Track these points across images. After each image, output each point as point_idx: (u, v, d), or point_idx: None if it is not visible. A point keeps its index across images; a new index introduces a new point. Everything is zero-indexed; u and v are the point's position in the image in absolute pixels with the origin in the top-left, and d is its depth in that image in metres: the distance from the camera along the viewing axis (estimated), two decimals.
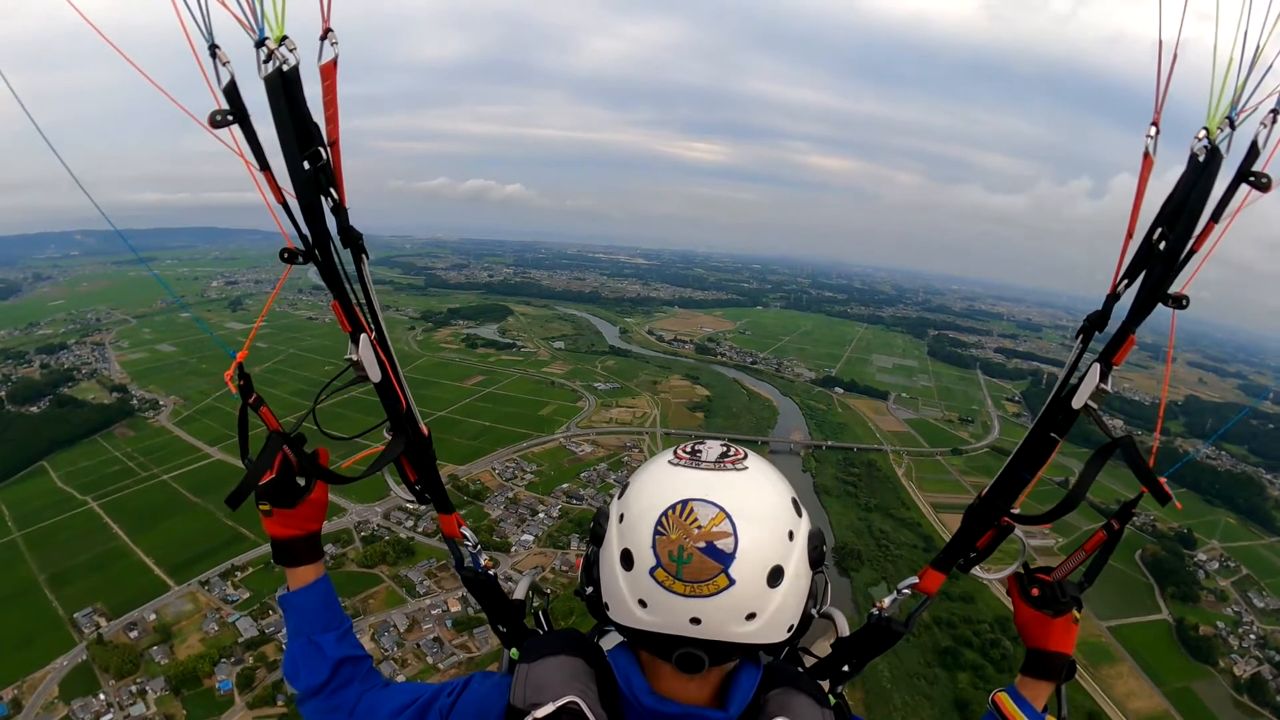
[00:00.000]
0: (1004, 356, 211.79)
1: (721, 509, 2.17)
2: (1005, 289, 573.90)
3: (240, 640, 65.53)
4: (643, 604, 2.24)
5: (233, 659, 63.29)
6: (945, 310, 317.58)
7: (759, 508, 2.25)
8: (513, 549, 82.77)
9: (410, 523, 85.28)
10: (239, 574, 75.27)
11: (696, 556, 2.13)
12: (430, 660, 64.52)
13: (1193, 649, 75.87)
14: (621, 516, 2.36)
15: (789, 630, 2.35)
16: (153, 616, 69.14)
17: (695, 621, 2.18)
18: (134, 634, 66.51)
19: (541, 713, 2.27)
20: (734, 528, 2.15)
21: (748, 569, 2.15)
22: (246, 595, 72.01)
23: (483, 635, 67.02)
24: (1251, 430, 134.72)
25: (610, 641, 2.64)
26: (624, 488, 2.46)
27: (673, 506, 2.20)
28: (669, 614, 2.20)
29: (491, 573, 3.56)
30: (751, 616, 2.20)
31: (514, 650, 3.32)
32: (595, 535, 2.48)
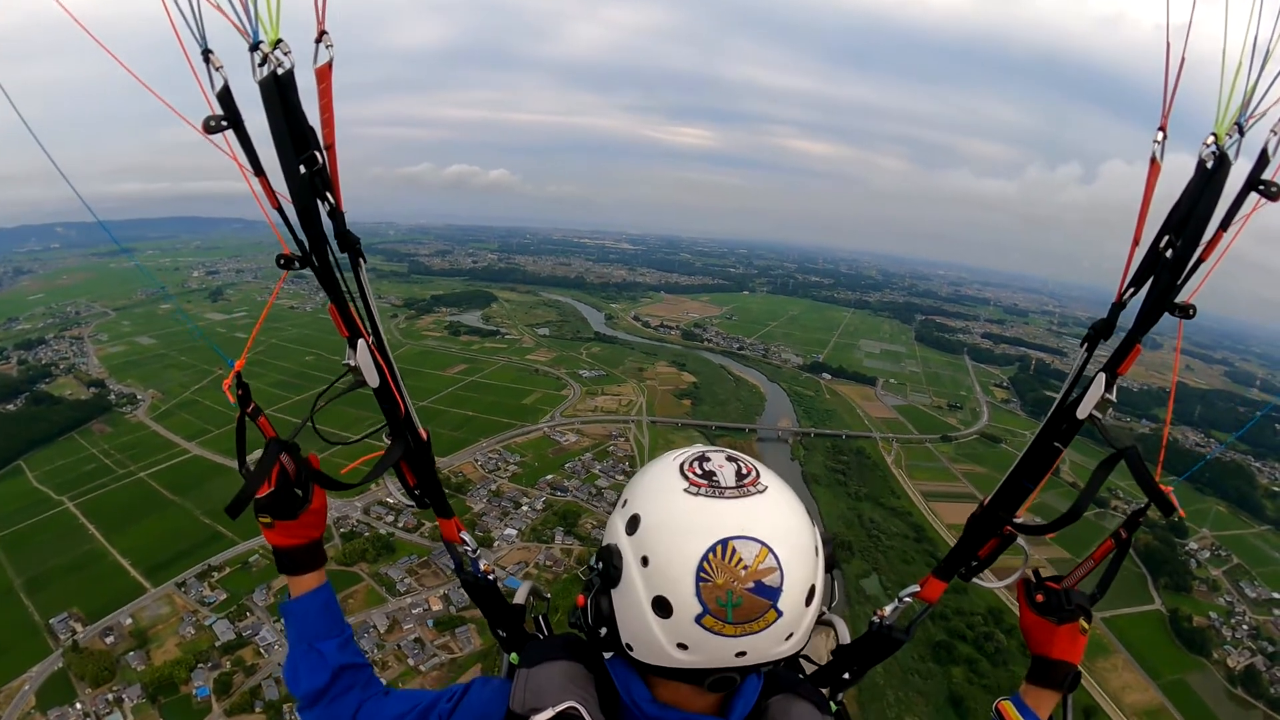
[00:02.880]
0: (991, 342, 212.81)
1: (764, 544, 2.11)
2: (991, 274, 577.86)
3: (217, 644, 64.39)
4: (683, 646, 2.17)
5: (209, 664, 62.13)
6: (932, 295, 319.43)
7: (792, 533, 2.21)
8: (496, 544, 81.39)
9: (390, 518, 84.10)
10: (216, 575, 74.03)
11: (746, 598, 2.09)
12: (411, 662, 63.57)
13: (1187, 640, 75.70)
14: (645, 560, 2.21)
15: (809, 635, 2.34)
16: (129, 621, 67.81)
17: (741, 654, 2.16)
18: (110, 639, 65.20)
19: (541, 718, 2.24)
20: (778, 561, 2.11)
21: (792, 598, 2.15)
22: (223, 597, 70.85)
23: (464, 635, 66.26)
24: (1239, 418, 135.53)
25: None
26: (634, 521, 2.28)
27: (713, 549, 2.11)
28: (714, 653, 2.16)
29: (491, 577, 3.60)
30: (789, 636, 2.20)
31: (514, 655, 3.29)
32: (608, 577, 2.31)
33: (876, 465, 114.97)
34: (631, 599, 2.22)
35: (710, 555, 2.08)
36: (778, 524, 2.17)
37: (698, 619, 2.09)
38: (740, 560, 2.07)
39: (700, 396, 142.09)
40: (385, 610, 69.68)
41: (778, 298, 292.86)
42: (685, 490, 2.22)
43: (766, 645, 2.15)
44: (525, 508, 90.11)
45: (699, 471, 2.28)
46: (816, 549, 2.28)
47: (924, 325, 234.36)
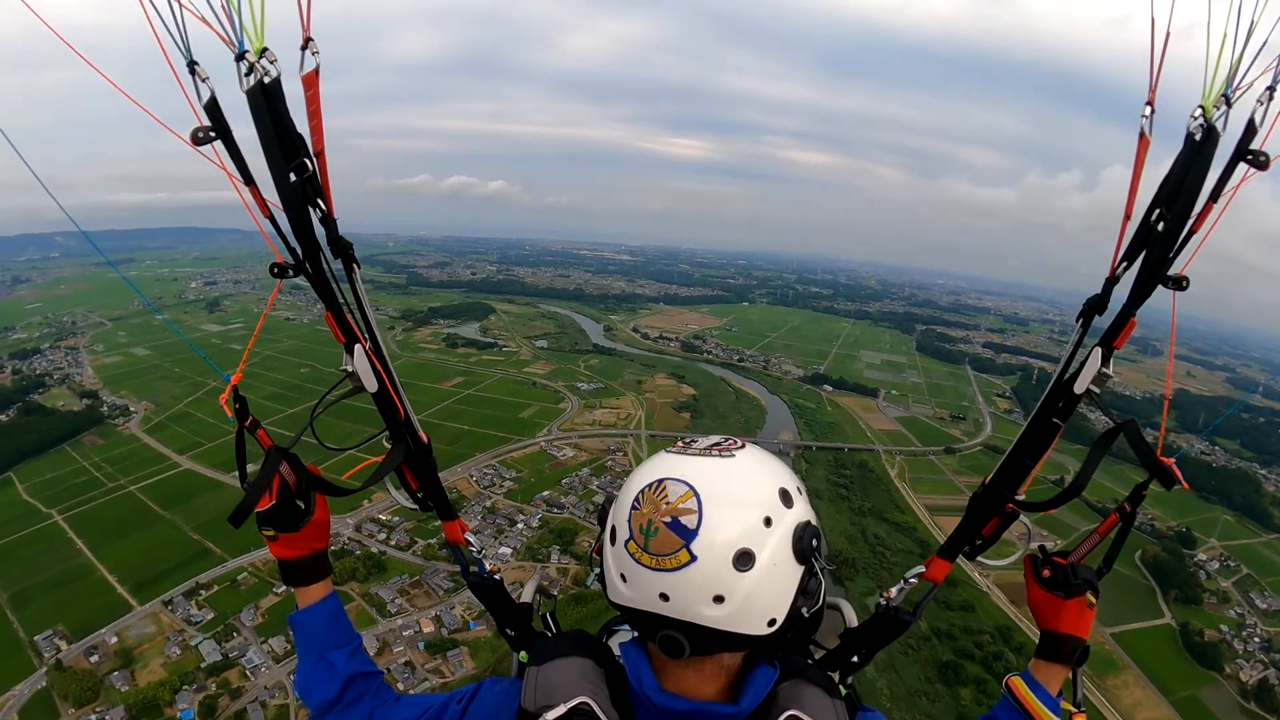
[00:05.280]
0: (993, 351, 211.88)
1: (690, 487, 2.25)
2: (990, 283, 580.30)
3: (203, 665, 63.07)
4: (624, 578, 2.34)
5: (194, 686, 60.83)
6: (931, 305, 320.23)
7: (731, 490, 2.28)
8: (489, 564, 78.93)
9: (382, 535, 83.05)
10: (203, 593, 72.91)
11: (662, 530, 2.21)
12: (401, 686, 60.59)
13: (1198, 655, 74.35)
14: (619, 497, 2.47)
15: (770, 625, 2.30)
16: (114, 639, 66.47)
17: (664, 598, 2.24)
18: (95, 658, 63.96)
19: (553, 715, 2.31)
20: (699, 505, 2.21)
21: (710, 548, 2.18)
22: (210, 616, 69.61)
23: (456, 658, 64.89)
24: (1242, 424, 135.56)
25: (619, 641, 2.67)
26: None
27: (649, 484, 2.31)
28: (642, 589, 2.28)
29: (497, 577, 3.62)
30: (720, 600, 2.20)
31: (523, 653, 3.47)
32: (601, 518, 2.59)
33: (879, 478, 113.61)
34: (605, 533, 2.47)
35: (646, 489, 2.30)
36: (718, 480, 2.27)
37: (625, 543, 2.30)
38: (665, 495, 2.24)
39: (700, 409, 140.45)
40: (375, 632, 67.92)
41: (777, 308, 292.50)
42: (667, 450, 2.48)
43: (687, 595, 2.19)
44: (520, 525, 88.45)
45: (688, 439, 2.50)
46: (769, 520, 2.25)
47: (924, 335, 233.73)
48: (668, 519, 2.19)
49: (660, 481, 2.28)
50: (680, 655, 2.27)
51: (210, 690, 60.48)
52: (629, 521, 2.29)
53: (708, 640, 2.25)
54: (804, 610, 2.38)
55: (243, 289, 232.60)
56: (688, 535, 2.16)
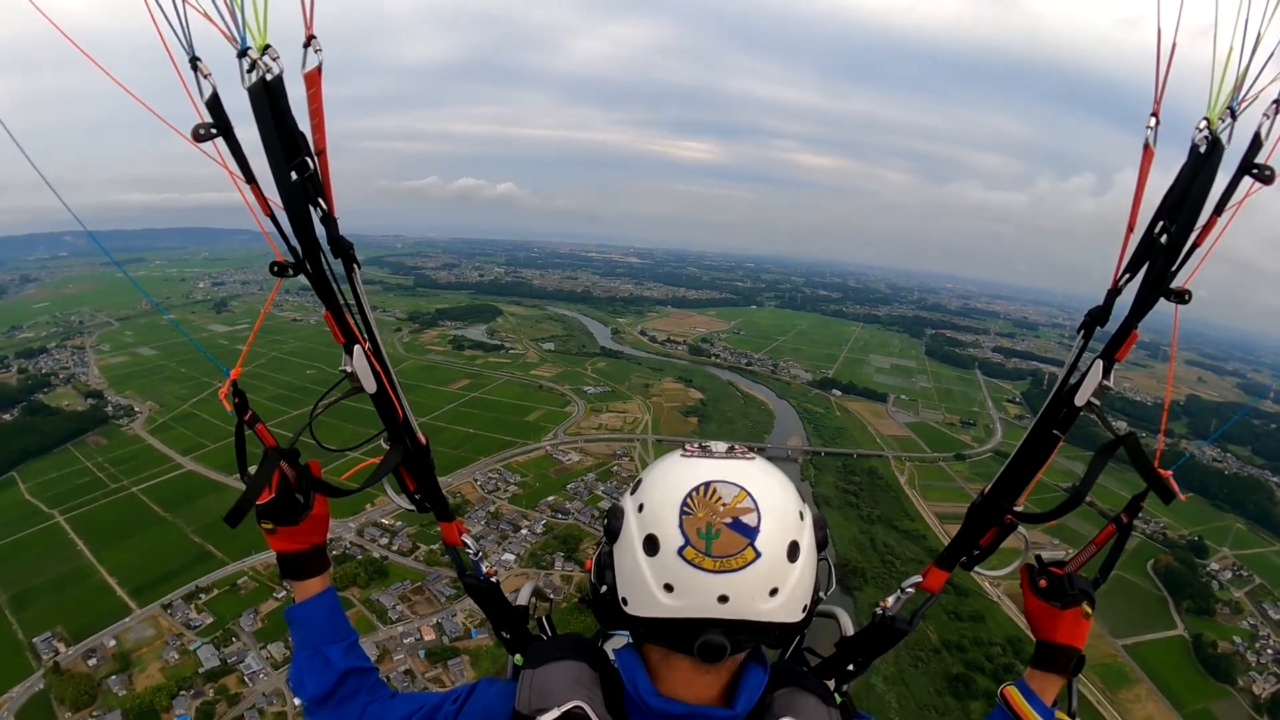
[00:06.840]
0: (1002, 356, 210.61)
1: (743, 488, 2.27)
2: (1000, 287, 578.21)
3: (201, 670, 62.74)
4: (669, 588, 2.27)
5: (192, 691, 60.48)
6: (941, 309, 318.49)
7: (772, 489, 2.34)
8: (486, 566, 78.22)
9: (384, 540, 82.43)
10: (203, 596, 72.55)
11: (725, 532, 2.21)
12: None
13: (1211, 667, 73.28)
14: (641, 506, 2.39)
15: (804, 611, 2.38)
16: (112, 643, 66.20)
17: (723, 599, 2.23)
18: (93, 661, 63.77)
19: (547, 718, 2.31)
20: (756, 504, 2.25)
21: (771, 542, 2.23)
22: (209, 620, 69.17)
23: (457, 667, 64.04)
24: (1254, 431, 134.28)
25: (614, 645, 2.78)
26: (637, 484, 2.52)
27: (697, 488, 2.29)
28: (697, 594, 2.24)
29: (494, 579, 3.68)
30: (774, 592, 2.25)
31: (518, 656, 3.56)
32: (610, 531, 2.50)
33: (889, 485, 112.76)
34: (627, 545, 2.34)
35: (694, 493, 2.25)
36: (757, 478, 2.31)
37: (680, 550, 2.21)
38: (720, 498, 2.23)
39: (707, 414, 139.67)
40: (375, 639, 67.17)
41: (786, 312, 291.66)
42: (681, 455, 2.46)
43: (748, 592, 2.20)
44: (525, 531, 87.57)
45: (697, 445, 2.49)
46: (801, 513, 2.35)
47: (934, 339, 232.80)
48: (728, 520, 2.19)
49: (708, 485, 2.26)
50: (720, 659, 2.25)
51: (208, 696, 60.17)
52: (680, 528, 2.22)
53: (748, 638, 2.27)
54: (822, 595, 2.48)
55: (250, 289, 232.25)
56: (751, 534, 2.18)
